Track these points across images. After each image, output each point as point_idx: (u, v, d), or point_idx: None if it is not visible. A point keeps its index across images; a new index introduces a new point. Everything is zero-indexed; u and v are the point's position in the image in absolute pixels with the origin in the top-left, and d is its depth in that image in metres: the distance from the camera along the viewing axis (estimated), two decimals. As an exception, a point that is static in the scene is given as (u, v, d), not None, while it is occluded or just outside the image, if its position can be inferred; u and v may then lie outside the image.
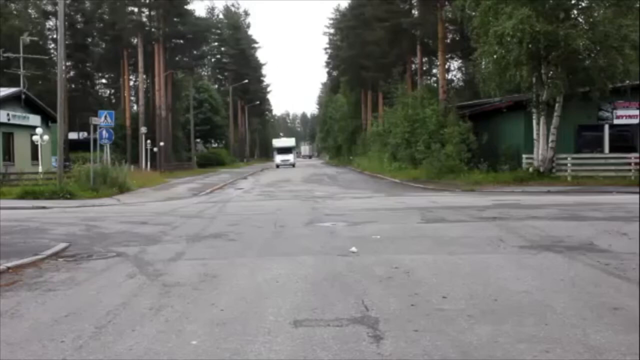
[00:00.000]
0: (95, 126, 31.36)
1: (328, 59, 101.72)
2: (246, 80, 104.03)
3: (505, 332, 6.14)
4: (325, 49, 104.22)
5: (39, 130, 38.02)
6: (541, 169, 31.04)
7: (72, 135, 62.42)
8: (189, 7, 72.18)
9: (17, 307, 7.61)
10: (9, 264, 10.13)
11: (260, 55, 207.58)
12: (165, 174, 50.76)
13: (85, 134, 54.56)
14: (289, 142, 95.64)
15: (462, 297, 7.56)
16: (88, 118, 32.54)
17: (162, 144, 63.44)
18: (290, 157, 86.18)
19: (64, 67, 35.49)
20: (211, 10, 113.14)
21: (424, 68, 66.10)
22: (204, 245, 12.61)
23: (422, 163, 38.37)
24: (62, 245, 12.42)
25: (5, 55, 52.08)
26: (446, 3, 45.89)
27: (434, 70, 67.79)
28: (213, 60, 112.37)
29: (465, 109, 41.13)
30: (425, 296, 7.65)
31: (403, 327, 6.38)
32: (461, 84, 69.11)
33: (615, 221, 14.86)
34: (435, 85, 55.56)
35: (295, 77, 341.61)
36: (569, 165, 31.18)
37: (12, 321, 6.98)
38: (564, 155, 31.34)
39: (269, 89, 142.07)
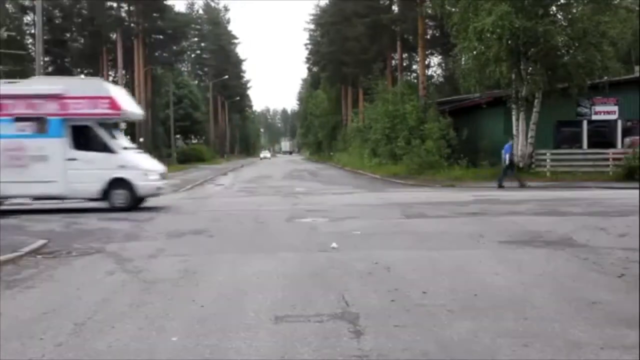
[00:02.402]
0: (74, 122, 31.07)
1: (308, 54, 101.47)
2: (226, 76, 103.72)
3: (485, 326, 6.18)
4: (306, 44, 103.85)
5: (17, 126, 37.66)
6: (520, 165, 31.21)
7: (51, 131, 61.86)
8: (169, 2, 72.08)
9: (-4, 304, 7.56)
10: (-13, 261, 10.05)
11: (240, 51, 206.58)
12: (145, 170, 50.43)
13: (64, 130, 54.10)
14: None
15: (442, 293, 7.60)
16: (67, 114, 32.27)
17: (141, 139, 63.06)
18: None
19: (42, 63, 35.19)
20: (191, 5, 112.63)
21: (404, 64, 66.29)
22: (184, 242, 12.58)
23: (402, 159, 38.41)
24: (41, 242, 12.32)
25: (-17, 50, 51.58)
26: (426, -1, 45.98)
27: (414, 66, 68.01)
28: (193, 55, 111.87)
29: (445, 105, 41.23)
30: (406, 291, 7.68)
31: (383, 322, 6.40)
32: (441, 79, 69.40)
33: (593, 216, 15.00)
34: (415, 81, 55.69)
35: (275, 73, 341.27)
36: (548, 160, 31.35)
37: (-10, 319, 6.92)
38: (543, 151, 31.52)
39: (249, 85, 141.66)
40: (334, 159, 70.92)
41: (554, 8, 31.83)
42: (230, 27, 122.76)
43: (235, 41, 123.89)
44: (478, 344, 5.68)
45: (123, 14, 68.92)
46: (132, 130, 60.94)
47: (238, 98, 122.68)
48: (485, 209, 17.11)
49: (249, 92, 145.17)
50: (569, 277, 8.43)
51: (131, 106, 22.09)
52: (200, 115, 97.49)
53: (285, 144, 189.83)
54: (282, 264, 9.70)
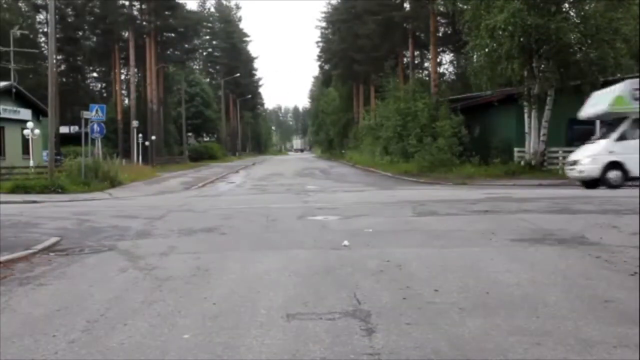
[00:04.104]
0: (86, 120, 31.27)
1: (320, 52, 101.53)
2: (238, 74, 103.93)
3: (496, 324, 6.16)
4: (317, 42, 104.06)
5: (29, 124, 37.90)
6: (533, 162, 31.14)
7: (64, 129, 62.20)
8: (180, 0, 71.95)
9: (9, 301, 7.59)
10: (0, 259, 10.11)
11: (252, 48, 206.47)
12: (157, 168, 50.68)
13: (77, 127, 54.28)
14: None
15: (454, 290, 7.57)
16: (79, 112, 32.47)
17: (153, 137, 63.29)
18: None
19: (54, 61, 35.35)
20: (202, 3, 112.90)
21: (416, 61, 66.15)
22: (196, 239, 12.59)
23: (414, 157, 38.39)
24: (54, 239, 12.38)
25: (-4, 48, 51.84)
26: (438, -4, 45.86)
27: (426, 64, 67.84)
28: (204, 53, 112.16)
29: (457, 103, 41.19)
30: (417, 289, 7.66)
31: (395, 320, 6.39)
32: (453, 77, 69.27)
33: (606, 214, 14.90)
34: (427, 78, 55.60)
35: (287, 70, 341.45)
36: (560, 158, 31.25)
37: (4, 315, 6.95)
38: (555, 149, 31.41)
39: (260, 83, 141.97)
40: (346, 156, 70.88)
41: (566, 5, 31.74)
42: (241, 25, 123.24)
43: (247, 39, 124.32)
44: (490, 342, 5.66)
45: (135, 12, 69.15)
46: (144, 127, 61.19)
47: (250, 96, 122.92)
48: (496, 207, 17.04)
49: (261, 90, 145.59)
50: (582, 275, 8.39)
51: None
52: (212, 113, 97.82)
53: (297, 142, 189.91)
54: (294, 262, 9.69)
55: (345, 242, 11.19)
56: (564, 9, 30.97)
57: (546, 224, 13.37)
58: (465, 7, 32.99)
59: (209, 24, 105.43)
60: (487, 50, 30.24)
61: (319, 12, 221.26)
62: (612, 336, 5.76)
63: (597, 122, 32.66)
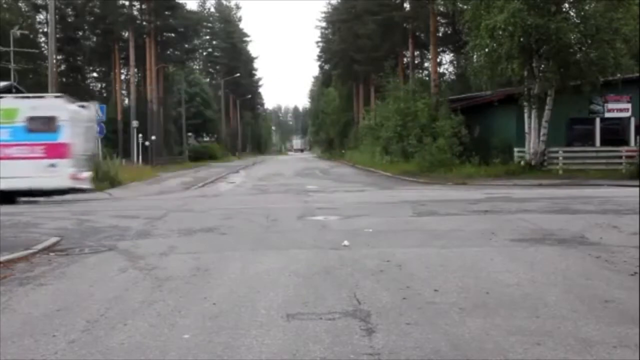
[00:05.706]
0: (86, 120, 31.18)
1: (320, 52, 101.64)
2: (238, 74, 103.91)
3: (496, 324, 6.16)
4: (317, 42, 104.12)
5: (29, 124, 37.81)
6: (533, 163, 31.11)
7: (63, 129, 62.05)
8: (180, 0, 71.96)
9: (9, 301, 7.59)
10: (0, 259, 10.10)
11: (252, 49, 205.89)
12: (157, 168, 50.60)
13: (76, 127, 54.13)
14: None
15: (454, 291, 7.58)
16: (79, 112, 32.41)
17: (153, 137, 63.19)
18: None
19: (54, 61, 35.33)
20: (202, 3, 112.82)
21: (416, 61, 66.21)
22: (196, 239, 12.59)
23: (414, 157, 38.36)
24: (54, 239, 12.36)
25: (-4, 48, 51.84)
26: (438, -4, 45.91)
27: (426, 64, 67.91)
28: (204, 53, 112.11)
29: (457, 103, 41.19)
30: (417, 289, 7.66)
31: (395, 320, 6.39)
32: (453, 77, 69.29)
33: (606, 214, 14.92)
34: (427, 78, 55.61)
35: (287, 70, 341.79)
36: (560, 158, 31.25)
37: (4, 315, 6.95)
38: (555, 149, 31.41)
39: (260, 83, 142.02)
40: (346, 156, 70.86)
41: (566, 5, 31.71)
42: (241, 25, 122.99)
43: (247, 39, 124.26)
44: (490, 342, 5.67)
45: (135, 12, 69.12)
46: (144, 128, 61.11)
47: (249, 96, 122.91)
48: (496, 207, 17.05)
49: (261, 90, 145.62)
50: (582, 275, 8.40)
51: None
52: (212, 114, 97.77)
53: (297, 142, 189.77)
54: (294, 262, 9.70)
55: (345, 242, 11.19)
56: (564, 9, 30.96)
57: (546, 224, 13.38)
58: (465, 7, 33.01)
59: (209, 24, 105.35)
60: (487, 50, 30.23)
61: (319, 12, 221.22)
62: (612, 336, 5.77)
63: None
